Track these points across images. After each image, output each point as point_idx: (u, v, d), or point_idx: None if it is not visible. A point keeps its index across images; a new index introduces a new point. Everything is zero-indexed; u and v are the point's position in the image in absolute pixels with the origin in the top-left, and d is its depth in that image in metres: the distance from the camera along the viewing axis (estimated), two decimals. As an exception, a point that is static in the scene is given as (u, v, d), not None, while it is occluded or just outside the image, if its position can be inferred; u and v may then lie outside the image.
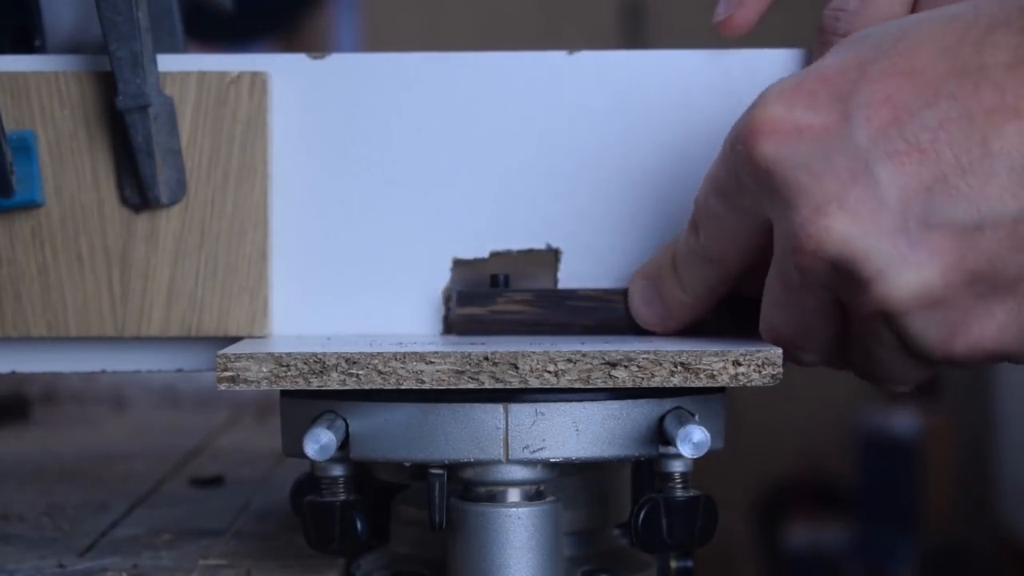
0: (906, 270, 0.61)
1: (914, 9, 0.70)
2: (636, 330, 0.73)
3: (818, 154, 0.62)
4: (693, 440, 0.63)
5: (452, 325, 0.74)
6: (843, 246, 0.62)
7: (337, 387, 0.65)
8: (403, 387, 0.65)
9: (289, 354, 0.65)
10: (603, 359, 0.64)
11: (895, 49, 0.62)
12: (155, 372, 0.77)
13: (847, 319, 0.66)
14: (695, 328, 0.73)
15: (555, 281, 0.76)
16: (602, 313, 0.74)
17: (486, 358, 0.64)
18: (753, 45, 0.76)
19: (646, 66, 0.76)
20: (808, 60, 0.75)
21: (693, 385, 0.65)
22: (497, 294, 0.74)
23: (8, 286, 0.74)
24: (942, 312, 0.62)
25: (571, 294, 0.74)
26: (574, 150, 0.75)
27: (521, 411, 0.65)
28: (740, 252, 0.68)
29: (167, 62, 0.74)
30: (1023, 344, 0.62)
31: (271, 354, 0.65)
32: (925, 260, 0.61)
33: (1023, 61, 0.60)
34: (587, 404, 0.66)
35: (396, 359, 0.64)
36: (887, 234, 0.61)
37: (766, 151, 0.63)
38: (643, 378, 0.64)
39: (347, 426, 0.66)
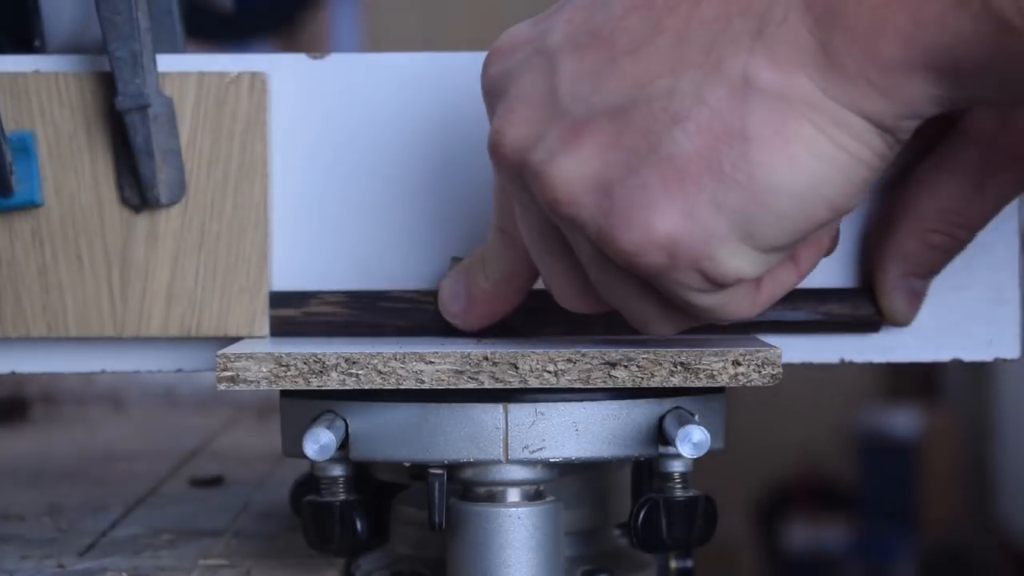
0: (566, 155, 0.60)
1: None
2: (448, 331, 0.73)
3: (521, 61, 0.62)
4: (693, 440, 0.63)
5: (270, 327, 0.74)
6: (516, 139, 0.62)
7: (337, 387, 0.65)
8: (403, 387, 0.65)
9: (289, 354, 0.65)
10: (603, 359, 0.64)
11: None
12: (155, 372, 0.77)
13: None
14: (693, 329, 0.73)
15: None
16: (415, 315, 0.74)
17: (486, 358, 0.64)
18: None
19: (646, 66, 0.75)
20: None
21: (693, 385, 0.65)
22: (311, 296, 0.74)
23: (8, 286, 0.74)
24: (607, 199, 0.60)
25: (384, 295, 0.74)
26: (574, 150, 0.75)
27: (521, 411, 0.65)
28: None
29: (167, 62, 0.74)
30: (697, 237, 0.59)
31: (271, 354, 0.65)
32: (586, 144, 0.60)
33: None
34: (587, 404, 0.66)
35: (396, 359, 0.64)
36: (553, 123, 0.61)
37: (489, 70, 0.64)
38: (643, 378, 0.64)
39: (347, 426, 0.66)
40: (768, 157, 0.58)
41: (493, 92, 0.64)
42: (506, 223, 0.68)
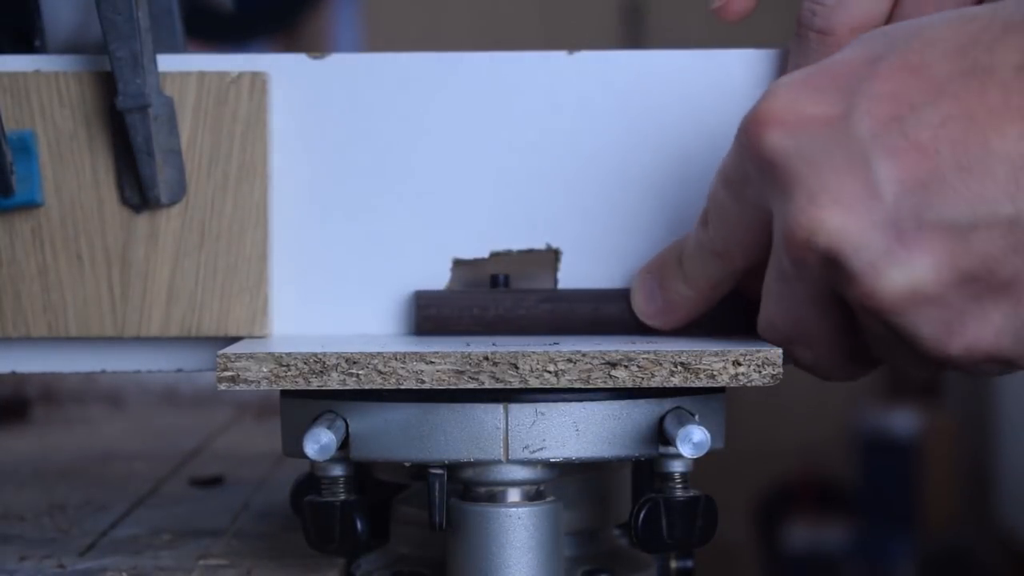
0: (896, 266, 0.61)
1: (895, 8, 0.70)
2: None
3: (818, 145, 0.62)
4: (693, 440, 0.63)
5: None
6: (833, 238, 0.61)
7: (337, 387, 0.65)
8: (403, 387, 0.65)
9: (289, 354, 0.65)
10: (603, 359, 0.64)
11: (907, 46, 0.62)
12: (155, 372, 0.77)
13: (847, 313, 0.66)
14: (696, 327, 0.73)
15: (555, 281, 0.76)
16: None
17: (486, 358, 0.64)
18: (752, 45, 0.76)
19: (646, 66, 0.75)
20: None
21: (693, 385, 0.65)
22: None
23: (8, 286, 0.74)
24: (935, 311, 0.62)
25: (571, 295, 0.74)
26: (574, 150, 0.75)
27: (521, 411, 0.65)
28: (744, 246, 0.68)
29: (167, 62, 0.74)
30: (1020, 347, 0.62)
31: (271, 354, 0.65)
32: (916, 257, 0.61)
33: None
34: (587, 404, 0.66)
35: (396, 359, 0.64)
36: (879, 229, 0.61)
37: (769, 140, 0.63)
38: (643, 378, 0.64)
39: (347, 426, 0.66)
40: None
41: (777, 169, 0.63)
42: (726, 246, 0.68)
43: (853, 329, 0.67)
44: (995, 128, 0.60)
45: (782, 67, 0.75)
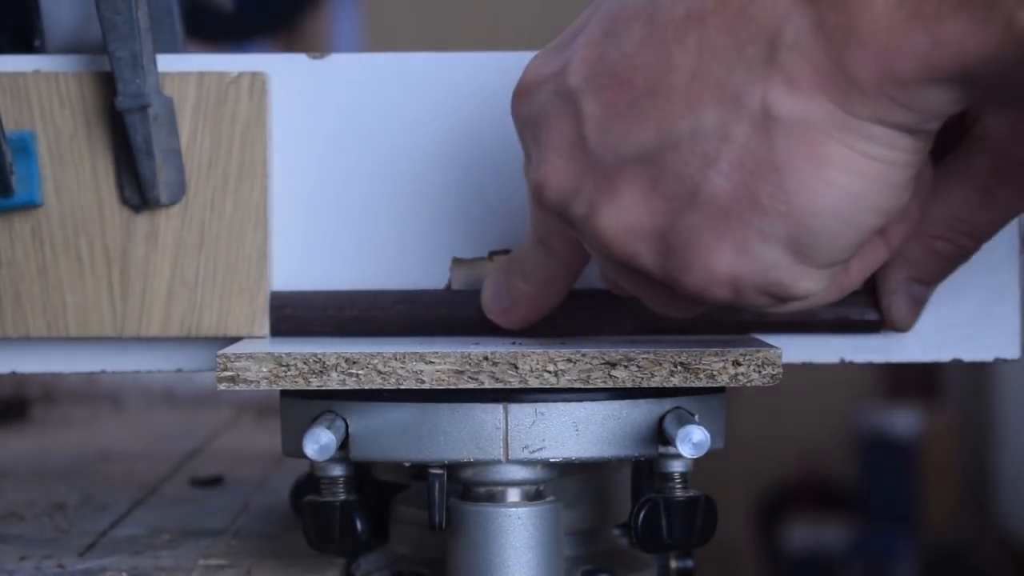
0: (606, 206, 0.60)
1: None
2: (449, 331, 0.74)
3: (546, 101, 0.62)
4: (693, 440, 0.63)
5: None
6: (554, 189, 0.62)
7: (337, 387, 0.65)
8: (403, 387, 0.65)
9: (289, 354, 0.65)
10: (603, 359, 0.64)
11: None
12: (155, 372, 0.77)
13: None
14: (690, 327, 0.73)
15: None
16: (416, 314, 0.75)
17: (486, 358, 0.64)
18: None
19: (646, 66, 0.75)
20: None
21: (693, 385, 0.65)
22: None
23: (8, 286, 0.74)
24: (656, 242, 0.60)
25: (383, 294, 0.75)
26: (574, 150, 0.75)
27: (521, 411, 0.65)
28: (568, 242, 0.67)
29: (167, 62, 0.74)
30: (756, 270, 0.59)
31: (271, 354, 0.65)
32: (622, 194, 0.60)
33: None
34: (587, 404, 0.66)
35: (396, 359, 0.64)
36: (588, 173, 0.61)
37: (517, 109, 0.64)
38: (643, 378, 0.64)
39: (347, 426, 0.66)
40: (803, 184, 0.57)
41: (524, 134, 0.64)
42: (544, 235, 0.68)
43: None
44: (678, 40, 0.58)
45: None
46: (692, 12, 0.57)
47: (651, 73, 0.58)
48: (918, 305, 0.73)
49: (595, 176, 0.60)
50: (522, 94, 0.64)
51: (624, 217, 0.60)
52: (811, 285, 0.60)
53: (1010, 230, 0.75)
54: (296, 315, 0.74)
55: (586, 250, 0.67)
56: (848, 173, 0.57)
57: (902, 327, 0.74)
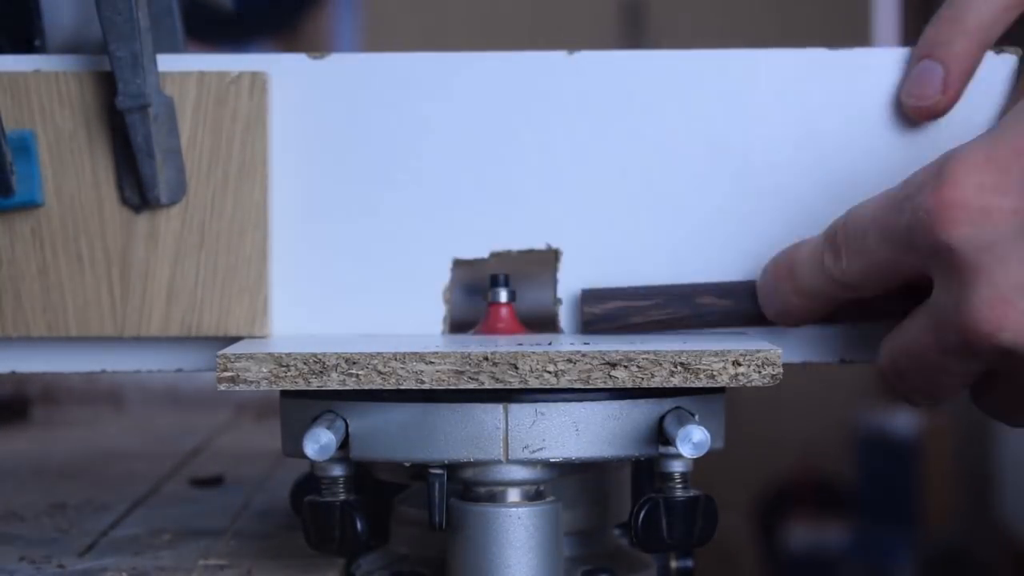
0: None
1: None
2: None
3: (1006, 237, 0.61)
4: (693, 440, 0.63)
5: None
6: (1019, 336, 0.61)
7: (337, 387, 0.65)
8: (403, 387, 0.65)
9: (289, 354, 0.65)
10: (603, 359, 0.64)
11: None
12: (155, 372, 0.77)
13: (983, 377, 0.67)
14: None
15: (555, 281, 0.76)
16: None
17: (486, 358, 0.64)
18: (752, 45, 0.76)
19: (646, 66, 0.75)
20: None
21: (693, 385, 0.65)
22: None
23: (8, 286, 0.74)
24: None
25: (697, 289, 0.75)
26: (574, 150, 0.75)
27: (521, 411, 0.65)
28: (879, 288, 0.68)
29: (167, 62, 0.74)
30: None
31: (271, 354, 0.65)
32: None
33: None
34: (587, 404, 0.66)
35: (396, 359, 0.64)
36: None
37: (951, 231, 0.62)
38: (643, 378, 0.64)
39: (347, 426, 0.66)
40: None
41: (957, 257, 0.63)
42: (858, 283, 0.68)
43: (984, 389, 0.68)
44: None
45: (781, 68, 0.75)
46: None
47: None
48: None
49: None
50: (961, 215, 0.62)
51: None
52: None
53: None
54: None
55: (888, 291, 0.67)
56: None
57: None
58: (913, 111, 0.72)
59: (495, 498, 0.66)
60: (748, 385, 0.65)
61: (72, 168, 0.74)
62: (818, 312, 0.71)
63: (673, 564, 0.77)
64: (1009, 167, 0.61)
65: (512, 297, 0.75)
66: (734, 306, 0.74)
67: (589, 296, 0.74)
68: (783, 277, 0.71)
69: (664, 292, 0.74)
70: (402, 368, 0.64)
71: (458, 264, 0.76)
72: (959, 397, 0.69)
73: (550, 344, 0.68)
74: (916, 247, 0.64)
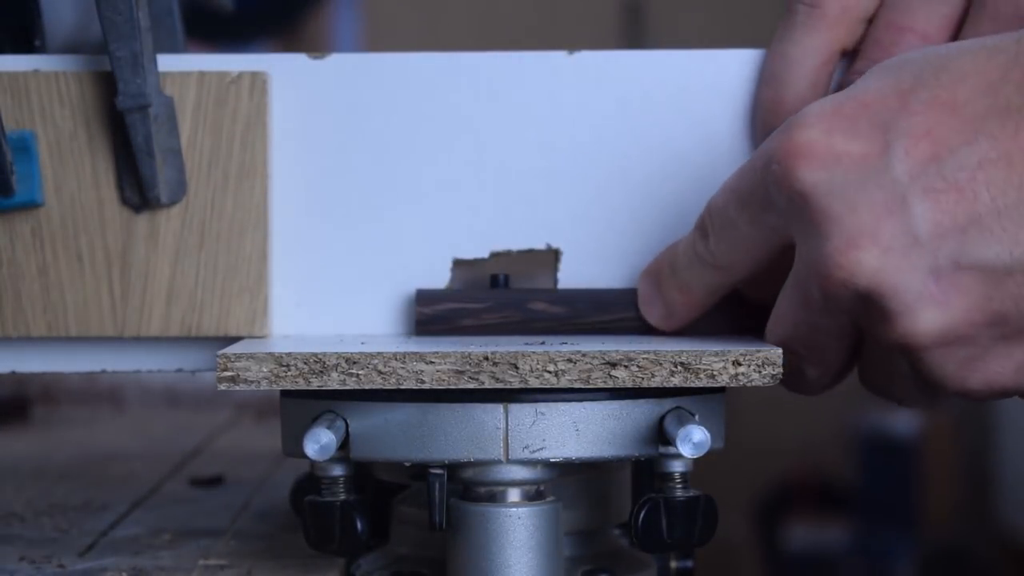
0: (932, 308, 0.61)
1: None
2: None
3: (854, 183, 0.62)
4: (693, 440, 0.63)
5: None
6: (873, 279, 0.61)
7: (337, 387, 0.65)
8: (403, 387, 0.65)
9: (289, 354, 0.65)
10: (603, 359, 0.64)
11: (937, 80, 0.62)
12: (155, 372, 0.77)
13: (861, 340, 0.67)
14: (695, 327, 0.73)
15: (555, 281, 0.76)
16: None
17: (486, 358, 0.64)
18: (752, 46, 0.76)
19: (646, 66, 0.76)
20: None
21: (693, 385, 0.65)
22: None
23: (8, 286, 0.74)
24: (962, 349, 0.62)
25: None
26: (574, 150, 0.75)
27: (521, 411, 0.65)
28: (750, 263, 0.68)
29: (167, 62, 0.74)
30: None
31: (271, 354, 0.65)
32: (952, 300, 0.61)
33: None
34: (587, 404, 0.66)
35: (396, 359, 0.64)
36: (917, 271, 0.61)
37: (803, 175, 0.63)
38: (643, 378, 0.64)
39: (347, 426, 0.66)
40: None
41: (810, 204, 0.63)
42: (728, 261, 0.68)
43: (858, 354, 0.68)
44: None
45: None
46: None
47: (998, 193, 0.60)
48: None
49: (922, 276, 0.61)
50: (811, 158, 0.63)
51: (944, 321, 0.61)
52: None
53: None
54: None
55: (762, 268, 0.68)
56: None
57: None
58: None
59: (495, 498, 0.66)
60: (748, 385, 0.65)
61: (72, 168, 0.74)
62: (700, 306, 0.71)
63: (673, 564, 0.77)
64: (856, 116, 0.62)
65: (512, 297, 0.74)
66: (566, 313, 0.74)
67: (422, 297, 0.74)
68: (664, 275, 0.72)
69: (496, 296, 0.74)
70: (402, 368, 0.64)
71: (458, 264, 0.76)
72: (850, 365, 0.69)
73: (542, 343, 0.68)
74: (773, 203, 0.65)
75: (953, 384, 0.63)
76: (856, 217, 0.61)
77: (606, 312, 0.74)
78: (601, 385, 0.65)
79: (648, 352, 0.64)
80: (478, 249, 0.76)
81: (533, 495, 0.67)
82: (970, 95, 0.61)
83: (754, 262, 0.68)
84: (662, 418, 0.66)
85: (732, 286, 0.70)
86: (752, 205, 0.66)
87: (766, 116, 0.73)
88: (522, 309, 0.74)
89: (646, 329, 0.73)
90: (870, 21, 0.71)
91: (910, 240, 0.61)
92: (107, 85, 0.73)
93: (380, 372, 0.64)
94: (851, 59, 0.72)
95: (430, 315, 0.74)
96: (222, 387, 0.65)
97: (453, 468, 0.66)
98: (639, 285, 0.73)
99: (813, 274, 0.63)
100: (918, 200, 0.61)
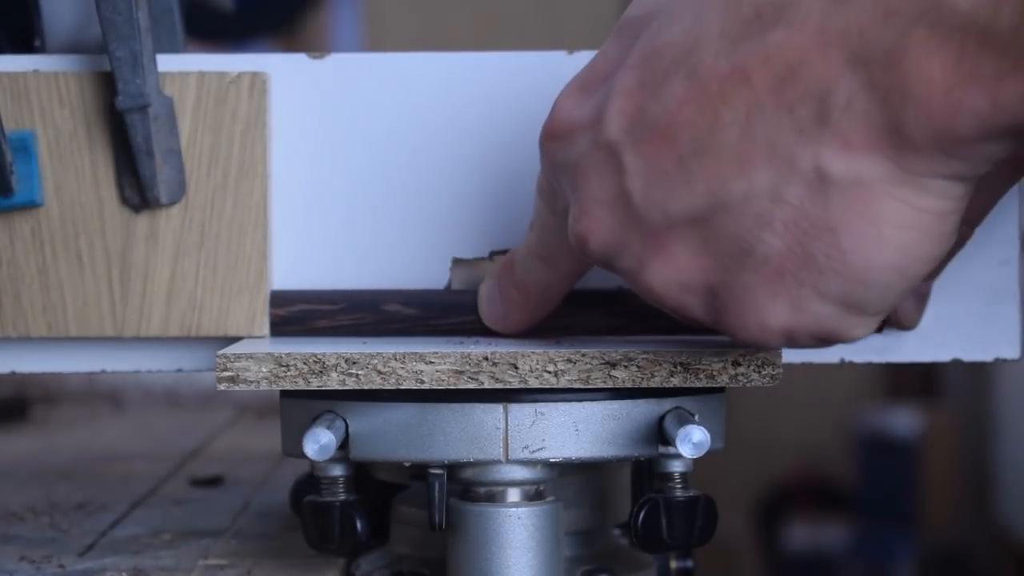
0: (656, 263, 0.60)
1: None
2: (450, 333, 0.73)
3: (584, 151, 0.61)
4: (693, 440, 0.63)
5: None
6: (598, 244, 0.61)
7: (337, 387, 0.65)
8: (403, 387, 0.65)
9: (289, 354, 0.65)
10: (603, 359, 0.64)
11: (651, 29, 0.60)
12: (155, 372, 0.77)
13: None
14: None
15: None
16: (416, 315, 0.74)
17: (486, 358, 0.64)
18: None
19: (646, 66, 0.75)
20: None
21: (693, 385, 0.65)
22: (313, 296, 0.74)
23: (8, 286, 0.74)
24: (708, 297, 0.60)
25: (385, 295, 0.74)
26: (574, 150, 0.75)
27: (521, 411, 0.65)
28: (566, 252, 0.67)
29: (167, 62, 0.74)
30: (811, 324, 0.59)
31: (271, 354, 0.65)
32: (672, 251, 0.60)
33: (759, 17, 0.56)
34: (587, 404, 0.66)
35: (396, 359, 0.64)
36: (633, 228, 0.60)
37: (552, 153, 0.63)
38: (643, 378, 0.64)
39: (347, 426, 0.66)
40: (858, 242, 0.56)
41: (558, 177, 0.63)
42: (548, 252, 0.68)
43: None
44: (724, 98, 0.57)
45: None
46: (736, 68, 0.56)
47: (697, 131, 0.58)
48: (922, 301, 0.73)
49: (642, 232, 0.60)
50: (556, 137, 0.63)
51: (674, 273, 0.60)
52: (862, 331, 0.60)
53: (1010, 229, 0.75)
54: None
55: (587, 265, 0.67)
56: (903, 228, 0.56)
57: (910, 325, 0.74)
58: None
59: (495, 498, 0.66)
60: (748, 385, 0.65)
61: (72, 168, 0.74)
62: (535, 306, 0.70)
63: (673, 564, 0.77)
64: (586, 83, 0.62)
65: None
66: (419, 315, 0.73)
67: (276, 298, 0.74)
68: (504, 272, 0.71)
69: (350, 297, 0.74)
70: (402, 368, 0.64)
71: (458, 264, 0.76)
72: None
73: (549, 344, 0.68)
74: (545, 191, 0.65)
75: (728, 331, 0.60)
76: (587, 184, 0.61)
77: (459, 314, 0.73)
78: (601, 385, 0.65)
79: (648, 352, 0.64)
80: (478, 249, 0.76)
81: (533, 495, 0.67)
82: (678, 35, 0.58)
83: (569, 251, 0.66)
84: (662, 418, 0.66)
85: (564, 283, 0.70)
86: (545, 192, 0.66)
87: None
88: (376, 310, 0.73)
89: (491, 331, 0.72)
90: None
91: (624, 199, 0.60)
92: (107, 85, 0.73)
93: (380, 372, 0.64)
94: None
95: (284, 316, 0.73)
96: (222, 387, 0.65)
97: (453, 468, 0.66)
98: (481, 287, 0.73)
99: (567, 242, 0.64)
100: (631, 155, 0.59)
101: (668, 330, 0.73)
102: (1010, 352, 0.76)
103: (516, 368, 0.64)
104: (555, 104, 0.63)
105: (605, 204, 0.61)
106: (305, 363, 0.65)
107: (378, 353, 0.64)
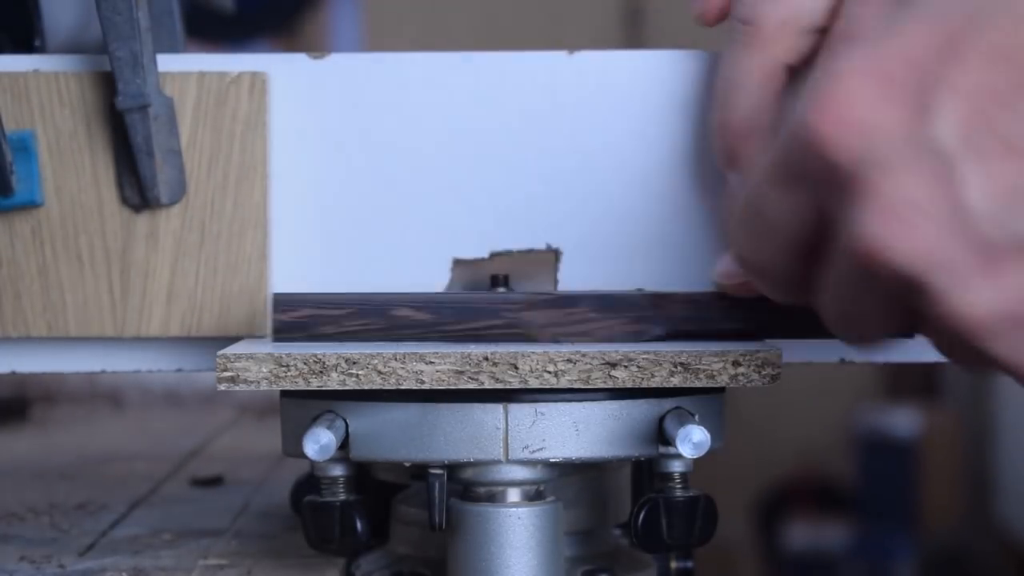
0: (985, 287, 0.55)
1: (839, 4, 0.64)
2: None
3: (896, 149, 0.55)
4: (693, 440, 0.63)
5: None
6: (910, 255, 0.55)
7: (337, 387, 0.65)
8: (403, 387, 0.65)
9: (289, 354, 0.65)
10: (603, 359, 0.64)
11: (994, 24, 0.54)
12: (155, 372, 0.77)
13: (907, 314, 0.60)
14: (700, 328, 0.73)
15: (555, 281, 0.76)
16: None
17: (486, 358, 0.64)
18: (753, 45, 0.76)
19: (646, 66, 0.75)
20: None
21: (693, 385, 0.65)
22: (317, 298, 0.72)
23: (8, 286, 0.74)
24: None
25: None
26: (574, 150, 0.75)
27: (521, 411, 0.65)
28: (791, 258, 0.61)
29: (167, 62, 0.74)
30: None
31: (271, 354, 0.65)
32: (1010, 276, 0.54)
33: None
34: (587, 404, 0.66)
35: (396, 359, 0.64)
36: (966, 245, 0.54)
37: (836, 139, 0.56)
38: (643, 378, 0.64)
39: (347, 426, 0.66)
40: None
41: (844, 171, 0.56)
42: (759, 259, 0.62)
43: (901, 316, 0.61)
44: None
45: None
46: None
47: None
48: None
49: (974, 250, 0.54)
50: (843, 124, 0.56)
51: (1001, 301, 0.55)
52: None
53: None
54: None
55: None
56: None
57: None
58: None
59: (495, 498, 0.67)
60: (748, 385, 0.65)
61: (72, 168, 0.74)
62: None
63: (673, 564, 0.77)
64: (896, 74, 0.56)
65: (512, 297, 0.74)
66: (431, 320, 0.71)
67: (280, 302, 0.71)
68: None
69: (358, 302, 0.71)
70: (402, 368, 0.64)
71: (458, 264, 0.76)
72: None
73: (550, 344, 0.68)
74: (806, 174, 0.58)
75: (1015, 367, 0.56)
76: (897, 186, 0.55)
77: (472, 319, 0.71)
78: (601, 385, 0.65)
79: (648, 352, 0.64)
80: (478, 249, 0.76)
81: (533, 495, 0.67)
82: None
83: (794, 257, 0.61)
84: (662, 418, 0.66)
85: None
86: (787, 178, 0.59)
87: (716, 141, 0.70)
88: (385, 316, 0.71)
89: (513, 337, 0.71)
90: (823, 31, 0.66)
91: (958, 210, 0.54)
92: (107, 85, 0.73)
93: (380, 372, 0.64)
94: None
95: (288, 322, 0.71)
96: (222, 387, 0.65)
97: (453, 468, 0.66)
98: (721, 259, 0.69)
99: (847, 247, 0.57)
100: (967, 165, 0.54)
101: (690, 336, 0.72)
102: (1010, 352, 0.75)
103: (516, 368, 0.64)
104: (838, 81, 0.56)
105: (927, 212, 0.54)
106: (305, 363, 0.65)
107: (378, 353, 0.64)
